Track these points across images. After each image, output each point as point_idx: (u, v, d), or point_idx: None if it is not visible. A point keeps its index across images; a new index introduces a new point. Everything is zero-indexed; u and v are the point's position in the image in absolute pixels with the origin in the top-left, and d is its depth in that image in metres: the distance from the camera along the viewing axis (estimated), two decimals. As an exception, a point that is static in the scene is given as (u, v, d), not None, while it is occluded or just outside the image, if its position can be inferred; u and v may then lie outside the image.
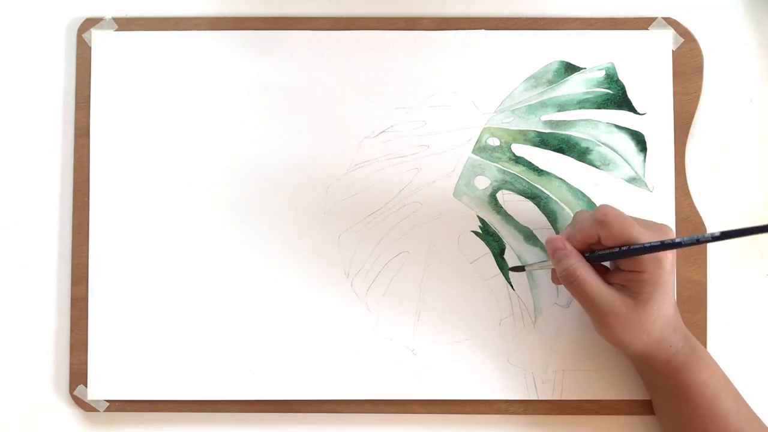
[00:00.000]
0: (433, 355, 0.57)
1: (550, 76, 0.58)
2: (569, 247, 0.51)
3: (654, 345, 0.51)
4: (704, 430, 0.51)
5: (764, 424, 0.52)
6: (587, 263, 0.51)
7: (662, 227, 0.51)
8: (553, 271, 0.54)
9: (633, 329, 0.50)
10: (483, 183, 0.57)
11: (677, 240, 0.48)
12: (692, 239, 0.48)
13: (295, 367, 0.57)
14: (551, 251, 0.52)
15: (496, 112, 0.58)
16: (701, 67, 0.58)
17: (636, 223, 0.50)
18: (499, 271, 0.57)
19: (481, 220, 0.57)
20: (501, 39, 0.58)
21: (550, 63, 0.58)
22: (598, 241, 0.51)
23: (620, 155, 0.57)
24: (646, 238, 0.50)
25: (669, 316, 0.51)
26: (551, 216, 0.57)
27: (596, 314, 0.51)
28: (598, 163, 0.57)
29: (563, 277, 0.51)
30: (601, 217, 0.50)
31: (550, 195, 0.57)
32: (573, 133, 0.57)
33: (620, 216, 0.50)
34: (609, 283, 0.51)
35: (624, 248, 0.50)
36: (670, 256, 0.50)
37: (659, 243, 0.49)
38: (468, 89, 0.58)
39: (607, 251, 0.51)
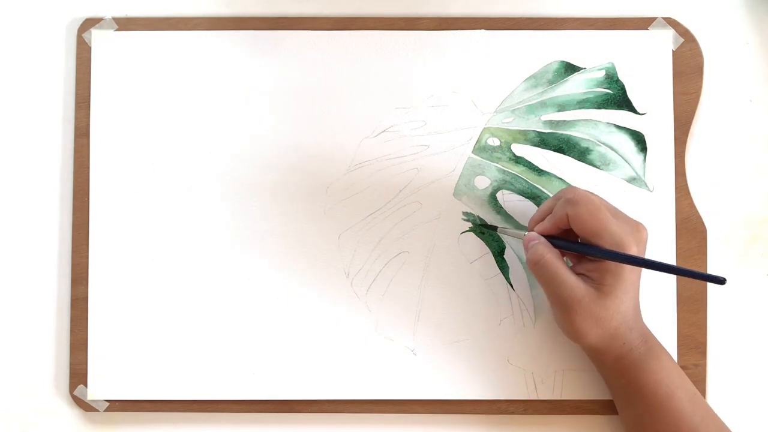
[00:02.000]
0: (433, 355, 0.57)
1: (550, 76, 0.58)
2: (541, 238, 0.52)
3: (607, 340, 0.51)
4: (656, 430, 0.51)
5: (723, 425, 0.51)
6: (555, 250, 0.51)
7: (637, 225, 0.51)
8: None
9: (590, 320, 0.50)
10: (483, 183, 0.57)
11: (641, 259, 0.49)
12: (659, 264, 0.49)
13: (295, 367, 0.57)
14: (525, 243, 0.53)
15: (496, 112, 0.58)
16: (701, 67, 0.58)
17: (606, 209, 0.50)
18: (499, 271, 0.57)
19: (480, 219, 0.57)
20: (501, 39, 0.58)
21: (550, 63, 0.58)
22: (567, 223, 0.51)
23: (620, 155, 0.57)
24: (614, 228, 0.49)
25: (628, 313, 0.51)
26: (475, 223, 0.57)
27: (557, 299, 0.51)
28: (598, 163, 0.57)
29: (531, 260, 0.52)
30: (570, 196, 0.50)
31: (550, 195, 0.57)
32: (573, 133, 0.57)
33: (589, 197, 0.50)
34: (575, 272, 0.51)
35: (590, 247, 0.50)
36: (635, 250, 0.50)
37: (623, 255, 0.49)
38: (468, 89, 0.58)
39: (574, 243, 0.51)
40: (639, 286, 0.52)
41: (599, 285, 0.50)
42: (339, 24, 0.58)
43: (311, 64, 0.58)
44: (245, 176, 0.57)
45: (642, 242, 0.50)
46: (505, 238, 0.57)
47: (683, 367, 0.56)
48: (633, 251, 0.49)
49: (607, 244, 0.49)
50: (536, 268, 0.51)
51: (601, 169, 0.57)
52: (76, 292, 0.57)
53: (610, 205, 0.52)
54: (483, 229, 0.57)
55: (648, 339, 0.52)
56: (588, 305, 0.50)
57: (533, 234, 0.53)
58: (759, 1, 0.59)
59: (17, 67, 0.59)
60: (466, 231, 0.57)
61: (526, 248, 0.53)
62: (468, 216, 0.57)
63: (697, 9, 0.59)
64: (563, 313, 0.51)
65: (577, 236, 0.52)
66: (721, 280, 0.46)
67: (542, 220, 0.53)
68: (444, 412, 0.57)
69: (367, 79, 0.58)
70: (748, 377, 0.58)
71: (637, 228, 0.51)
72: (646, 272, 0.56)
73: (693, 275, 0.49)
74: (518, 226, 0.57)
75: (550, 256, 0.51)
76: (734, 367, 0.58)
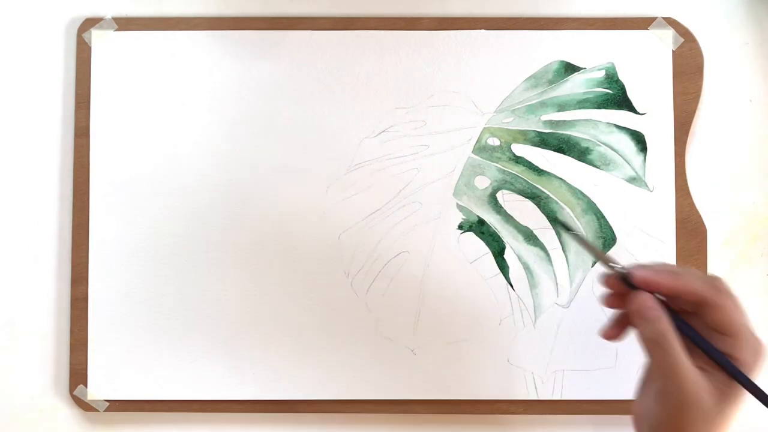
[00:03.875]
0: (433, 355, 0.57)
1: (550, 76, 0.58)
2: (660, 308, 0.43)
3: None
4: None
5: None
6: (674, 330, 0.42)
7: (759, 340, 0.43)
8: (611, 297, 0.46)
9: (706, 426, 0.41)
10: (483, 183, 0.57)
11: None
12: None
13: (295, 367, 0.57)
14: (640, 307, 0.43)
15: (496, 112, 0.58)
16: (701, 67, 0.58)
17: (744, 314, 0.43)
18: (499, 271, 0.57)
19: (480, 219, 0.57)
20: (501, 39, 0.58)
21: (550, 63, 0.58)
22: (692, 303, 0.43)
23: (620, 155, 0.57)
24: (752, 329, 0.43)
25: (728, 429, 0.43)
26: (551, 215, 0.57)
27: (669, 394, 0.42)
28: (598, 163, 0.57)
29: (648, 336, 0.43)
30: (721, 285, 0.43)
31: (550, 195, 0.57)
32: (573, 133, 0.57)
33: (735, 295, 0.43)
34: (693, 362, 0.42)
35: (725, 358, 0.42)
36: (759, 368, 0.42)
37: (755, 387, 0.42)
38: (468, 89, 0.58)
39: (708, 345, 0.43)
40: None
41: (724, 386, 0.42)
42: (339, 24, 0.58)
43: (311, 64, 0.58)
44: (245, 176, 0.57)
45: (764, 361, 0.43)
46: (505, 237, 0.57)
47: (684, 367, 0.56)
48: (758, 368, 0.43)
49: (745, 346, 0.42)
50: (653, 347, 0.42)
51: (601, 169, 0.57)
52: (76, 292, 0.57)
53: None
54: (481, 230, 0.57)
55: None
56: (709, 411, 0.41)
57: (650, 301, 0.43)
58: (759, 1, 0.59)
59: (17, 67, 0.59)
60: (466, 231, 0.57)
61: (640, 314, 0.43)
62: (465, 213, 0.57)
63: (697, 9, 0.59)
64: (673, 412, 0.42)
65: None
66: None
67: (651, 276, 0.44)
68: (444, 412, 0.57)
69: (367, 79, 0.58)
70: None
71: (761, 343, 0.43)
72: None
73: None
74: (521, 228, 0.57)
75: (672, 337, 0.42)
76: (734, 367, 0.58)
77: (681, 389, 0.41)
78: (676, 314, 0.43)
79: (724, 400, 0.42)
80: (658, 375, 0.43)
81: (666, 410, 0.42)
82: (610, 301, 0.46)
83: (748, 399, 0.42)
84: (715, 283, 0.43)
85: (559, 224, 0.55)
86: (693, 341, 0.43)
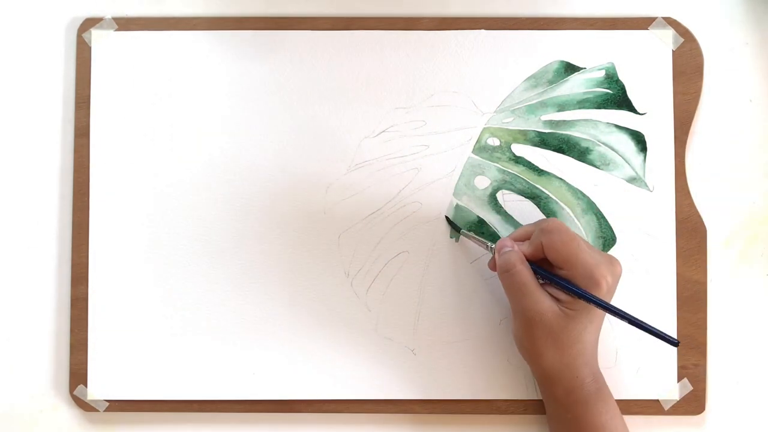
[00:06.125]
0: (433, 355, 0.57)
1: (550, 76, 0.58)
2: (516, 246, 0.52)
3: (561, 368, 0.51)
4: None
5: None
6: (527, 264, 0.51)
7: (611, 258, 0.51)
8: (491, 262, 0.54)
9: (550, 339, 0.50)
10: (483, 183, 0.57)
11: (607, 304, 0.49)
12: (623, 314, 0.49)
13: (295, 367, 0.57)
14: (498, 247, 0.52)
15: (496, 112, 0.58)
16: (701, 67, 0.58)
17: (581, 240, 0.50)
18: (499, 271, 0.57)
19: (480, 219, 0.57)
20: (501, 39, 0.58)
21: (550, 63, 0.58)
22: (543, 252, 0.51)
23: (620, 155, 0.57)
24: (587, 257, 0.49)
25: (587, 345, 0.51)
26: (551, 216, 0.57)
27: (521, 310, 0.51)
28: (598, 163, 0.57)
29: (501, 267, 0.51)
30: (544, 225, 0.51)
31: (550, 195, 0.57)
32: (573, 133, 0.57)
33: (562, 227, 0.50)
34: (544, 290, 0.51)
35: (563, 280, 0.50)
36: (609, 282, 0.49)
37: (592, 296, 0.49)
38: (468, 89, 0.58)
39: (548, 273, 0.51)
40: (601, 324, 0.52)
41: (567, 308, 0.50)
42: (339, 24, 0.58)
43: (311, 64, 0.58)
44: (245, 176, 0.57)
45: (616, 276, 0.50)
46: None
47: (683, 368, 0.56)
48: (605, 281, 0.49)
49: (579, 273, 0.49)
50: (505, 276, 0.51)
51: (601, 169, 0.57)
52: (76, 292, 0.57)
53: (586, 241, 0.51)
54: (458, 228, 0.57)
55: (598, 379, 0.52)
56: (551, 323, 0.50)
57: (507, 240, 0.52)
58: (759, 1, 0.59)
59: (17, 67, 0.59)
60: (466, 231, 0.57)
61: (498, 251, 0.52)
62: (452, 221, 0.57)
63: (697, 9, 0.59)
64: (524, 327, 0.51)
65: (551, 267, 0.51)
66: (674, 343, 0.48)
67: (519, 241, 0.53)
68: (444, 412, 0.57)
69: (367, 79, 0.58)
70: (748, 377, 0.58)
71: (611, 261, 0.50)
72: (650, 264, 0.56)
73: (651, 332, 0.49)
74: (517, 226, 0.57)
75: (522, 266, 0.51)
76: (734, 367, 0.58)
77: (527, 307, 0.50)
78: (533, 265, 0.51)
79: (567, 320, 0.50)
80: (512, 298, 0.51)
81: (520, 325, 0.51)
82: (492, 265, 0.54)
83: (590, 324, 0.50)
84: (542, 225, 0.51)
85: (449, 223, 0.57)
86: (544, 277, 0.51)
